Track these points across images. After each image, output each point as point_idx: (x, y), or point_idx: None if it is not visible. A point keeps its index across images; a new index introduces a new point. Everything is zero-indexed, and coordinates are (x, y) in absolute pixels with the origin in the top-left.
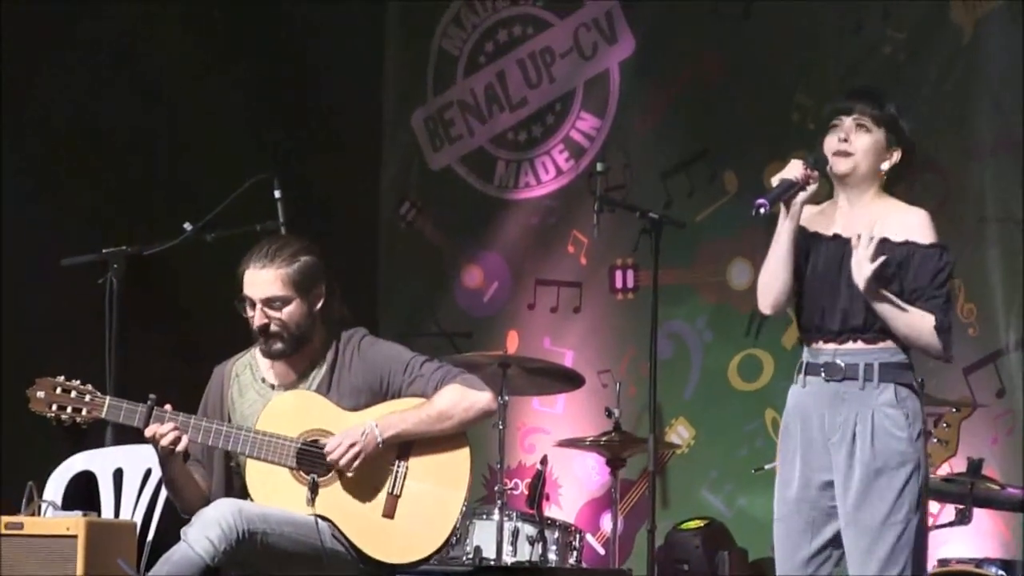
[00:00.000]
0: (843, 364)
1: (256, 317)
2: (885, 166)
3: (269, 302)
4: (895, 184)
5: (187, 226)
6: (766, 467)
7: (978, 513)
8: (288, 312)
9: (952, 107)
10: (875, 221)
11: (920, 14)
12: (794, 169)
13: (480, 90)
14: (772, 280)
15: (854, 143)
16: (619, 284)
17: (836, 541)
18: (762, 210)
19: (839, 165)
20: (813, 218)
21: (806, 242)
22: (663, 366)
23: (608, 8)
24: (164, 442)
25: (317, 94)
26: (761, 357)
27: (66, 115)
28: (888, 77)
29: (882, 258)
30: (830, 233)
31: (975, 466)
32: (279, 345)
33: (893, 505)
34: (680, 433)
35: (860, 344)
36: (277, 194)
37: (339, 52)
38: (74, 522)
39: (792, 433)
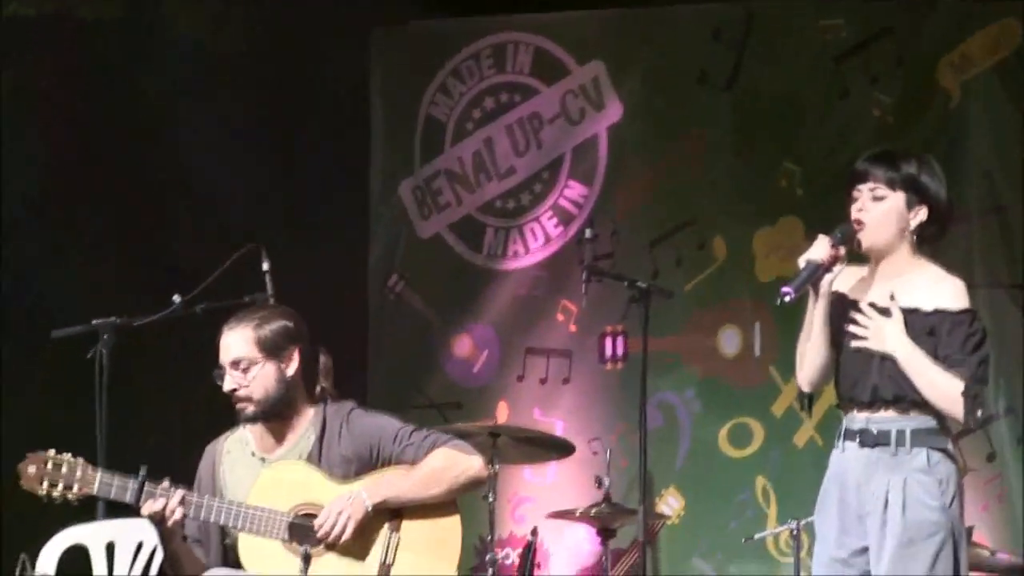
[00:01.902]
0: (876, 431)
1: (225, 382)
2: (913, 226)
3: (235, 364)
4: (933, 242)
5: (176, 298)
6: (756, 536)
7: None
8: (255, 376)
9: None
10: (908, 291)
11: (907, 77)
12: (820, 249)
13: (468, 158)
14: (807, 360)
15: (870, 212)
16: (609, 353)
17: None
18: (787, 298)
19: (860, 239)
20: (853, 283)
21: (845, 309)
22: (653, 436)
23: (595, 74)
24: (171, 521)
25: (304, 163)
26: (751, 425)
27: (52, 184)
28: (875, 141)
29: (898, 317)
30: (865, 300)
31: (966, 533)
32: (249, 409)
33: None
34: (670, 503)
35: (892, 413)
36: (265, 266)
37: (325, 120)
38: None
39: (831, 496)
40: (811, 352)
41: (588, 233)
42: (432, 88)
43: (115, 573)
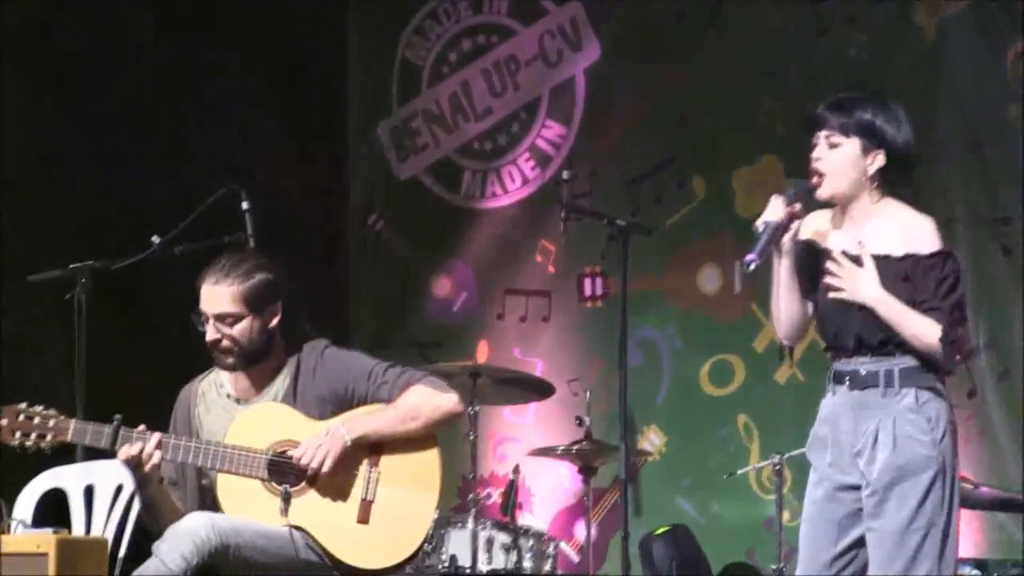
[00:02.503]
0: (864, 372)
1: (208, 332)
2: (871, 171)
3: (221, 318)
4: (895, 186)
5: (155, 239)
6: (739, 472)
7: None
8: (239, 329)
9: (917, 109)
10: (878, 236)
11: (884, 16)
12: (775, 210)
13: (445, 100)
14: (781, 316)
15: (825, 161)
16: (588, 292)
17: (861, 543)
18: (752, 266)
19: (820, 192)
20: (821, 229)
21: (816, 259)
22: (633, 373)
23: (573, 15)
24: (148, 466)
25: (282, 106)
26: (732, 362)
27: (30, 131)
28: (852, 80)
29: (870, 267)
30: (837, 249)
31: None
32: (229, 360)
33: (916, 511)
34: (652, 440)
35: (879, 356)
36: (245, 206)
37: (301, 64)
38: (45, 539)
39: (822, 437)
40: (784, 308)
41: (566, 174)
42: (408, 30)
43: (94, 516)
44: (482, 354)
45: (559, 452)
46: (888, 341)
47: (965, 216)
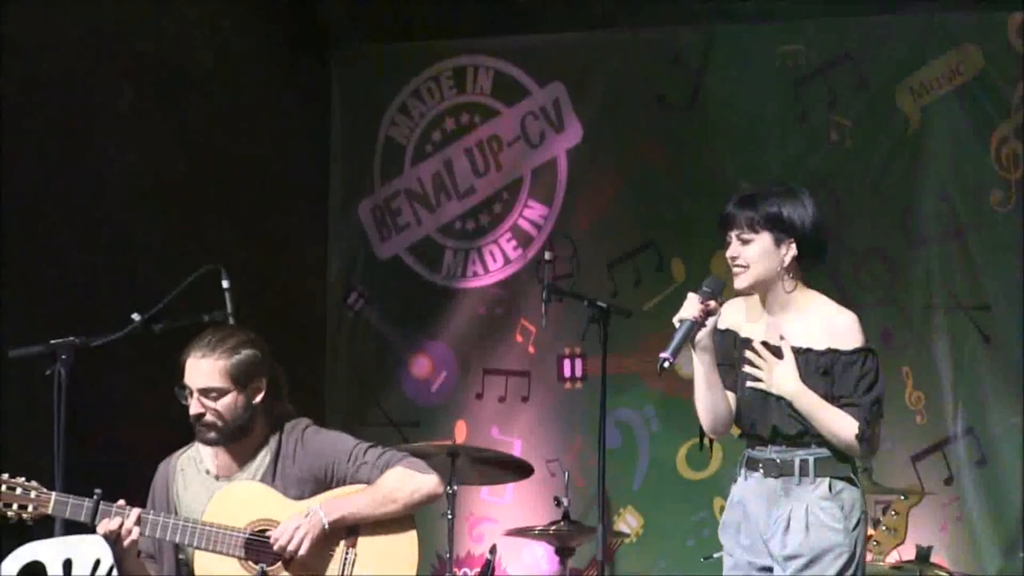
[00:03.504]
0: (779, 460)
1: (192, 406)
2: (787, 261)
3: (205, 392)
4: (809, 270)
5: (135, 317)
6: (715, 556)
7: None
8: (224, 404)
9: (898, 195)
10: (799, 328)
11: (866, 102)
12: (690, 307)
13: (427, 179)
14: (705, 411)
15: (742, 256)
16: (567, 373)
17: None
18: (666, 364)
19: (737, 282)
20: (741, 318)
21: (738, 348)
22: (611, 455)
23: (556, 96)
24: (127, 541)
25: (263, 183)
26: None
27: (12, 202)
28: (834, 165)
29: (789, 359)
30: (756, 339)
31: (924, 554)
32: (212, 434)
33: None
34: (628, 522)
35: (794, 447)
36: (225, 284)
37: (284, 140)
38: None
39: (733, 527)
40: (707, 402)
41: (548, 255)
42: (392, 109)
43: None
44: (460, 434)
45: (536, 533)
46: (804, 433)
47: (945, 302)
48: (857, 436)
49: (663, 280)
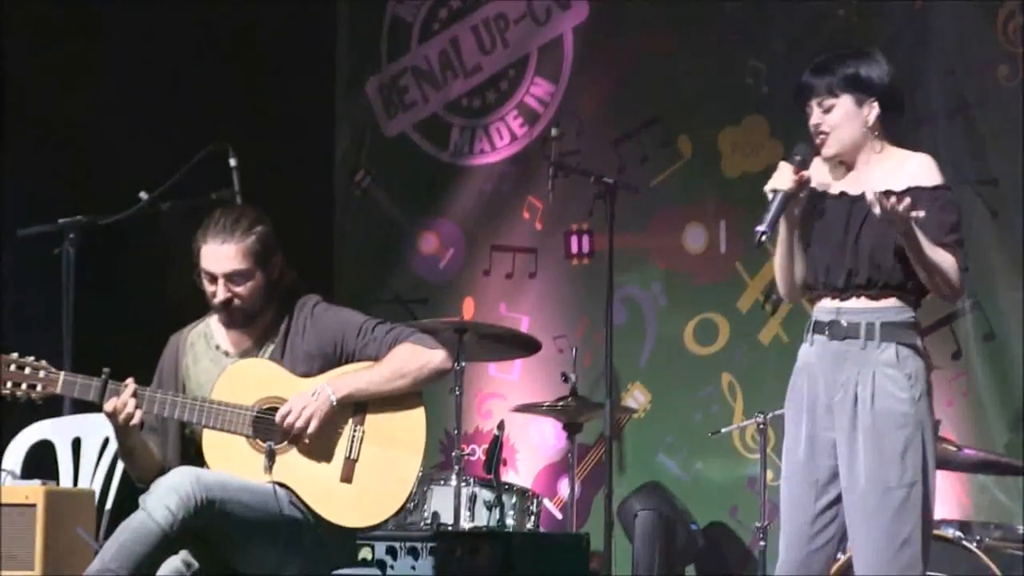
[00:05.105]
0: (845, 323)
1: (219, 291)
2: (871, 121)
3: (231, 277)
4: (893, 129)
5: (142, 195)
6: (723, 431)
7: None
8: (250, 286)
9: (904, 71)
10: (879, 175)
11: None
12: (783, 178)
13: (434, 56)
14: (784, 275)
15: (826, 123)
16: (575, 249)
17: (840, 499)
18: (763, 238)
19: (825, 150)
20: (819, 174)
21: (811, 200)
22: (618, 331)
23: None
24: (122, 416)
25: (270, 62)
26: (717, 321)
27: (19, 87)
28: (837, 40)
29: (907, 203)
30: (836, 191)
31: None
32: (240, 317)
33: (894, 469)
34: (636, 398)
35: (864, 301)
36: (232, 163)
37: (290, 19)
38: (33, 491)
39: (798, 391)
40: (788, 268)
41: (554, 131)
42: None
43: (81, 468)
44: (468, 310)
45: (544, 409)
46: (877, 280)
47: (952, 178)
48: (960, 267)
49: (670, 156)
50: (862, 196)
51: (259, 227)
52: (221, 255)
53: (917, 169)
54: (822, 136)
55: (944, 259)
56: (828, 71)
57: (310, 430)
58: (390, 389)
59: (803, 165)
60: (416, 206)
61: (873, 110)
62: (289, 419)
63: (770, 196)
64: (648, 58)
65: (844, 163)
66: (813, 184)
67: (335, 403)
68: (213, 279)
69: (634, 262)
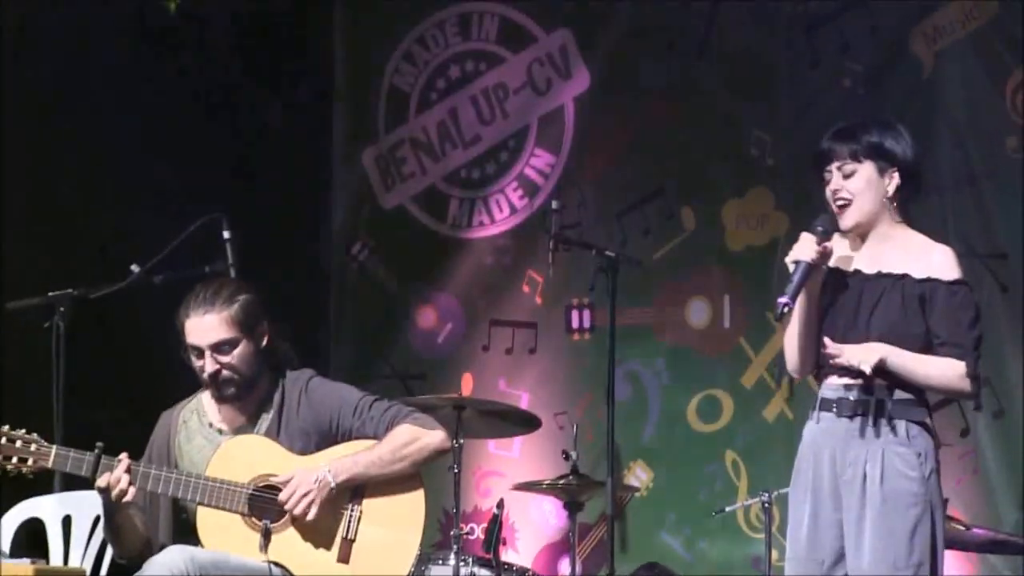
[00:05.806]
0: (854, 400)
1: (207, 364)
2: (891, 191)
3: (217, 347)
4: (909, 203)
5: (134, 268)
6: (727, 509)
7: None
8: (238, 354)
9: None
10: (897, 256)
11: (879, 46)
12: (806, 248)
13: (433, 127)
14: (796, 350)
15: (846, 189)
16: (575, 324)
17: None
18: (786, 310)
19: (845, 220)
20: (840, 254)
21: (829, 278)
22: (620, 408)
23: (562, 43)
24: (115, 492)
25: (265, 132)
26: (720, 397)
27: (12, 156)
28: (847, 111)
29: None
30: (850, 268)
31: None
32: (232, 389)
33: (902, 549)
34: (639, 475)
35: (873, 379)
36: (226, 235)
37: (288, 89)
38: (23, 570)
39: (804, 470)
40: (801, 342)
41: (555, 204)
42: (397, 56)
43: (72, 547)
44: (467, 386)
45: (544, 487)
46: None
47: (960, 250)
48: (968, 374)
49: (673, 229)
50: (877, 275)
51: (241, 295)
52: (204, 326)
53: (939, 262)
54: (841, 202)
55: (942, 374)
56: (852, 138)
57: (309, 516)
58: (390, 472)
59: (825, 236)
60: (414, 280)
61: (894, 180)
62: (289, 504)
63: (792, 267)
64: (651, 128)
65: (859, 237)
66: (833, 264)
67: (335, 489)
68: (200, 353)
69: (636, 337)
